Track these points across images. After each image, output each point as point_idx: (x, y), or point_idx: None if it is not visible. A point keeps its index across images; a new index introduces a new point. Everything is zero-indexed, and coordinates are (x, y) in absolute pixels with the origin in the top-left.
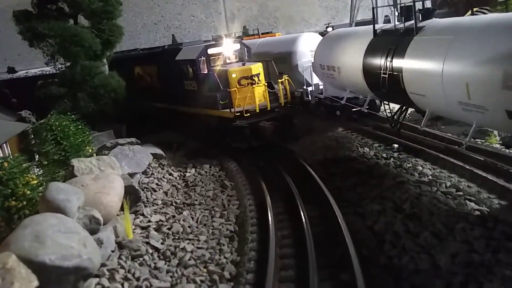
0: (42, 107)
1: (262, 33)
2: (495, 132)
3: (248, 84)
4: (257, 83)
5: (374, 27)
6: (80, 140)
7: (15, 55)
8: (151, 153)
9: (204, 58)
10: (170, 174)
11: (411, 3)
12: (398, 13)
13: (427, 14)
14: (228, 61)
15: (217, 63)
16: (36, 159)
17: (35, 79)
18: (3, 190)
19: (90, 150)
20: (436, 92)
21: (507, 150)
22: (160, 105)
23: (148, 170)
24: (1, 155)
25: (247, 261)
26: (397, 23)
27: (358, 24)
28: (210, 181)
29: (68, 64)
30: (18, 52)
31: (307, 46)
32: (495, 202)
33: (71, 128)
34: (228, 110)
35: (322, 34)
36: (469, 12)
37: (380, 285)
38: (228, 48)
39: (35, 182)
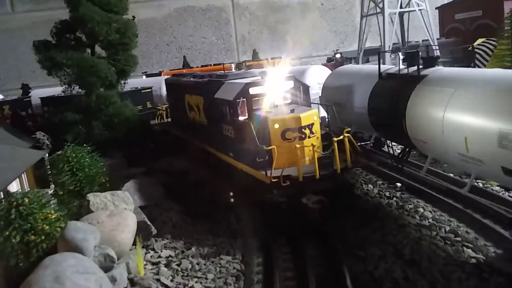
0: (57, 130)
1: (272, 58)
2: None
3: (295, 138)
4: (309, 137)
5: (379, 70)
6: (94, 170)
7: (29, 71)
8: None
9: (243, 100)
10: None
11: (416, 51)
12: (403, 58)
13: (430, 61)
14: (276, 103)
15: (262, 106)
16: (52, 189)
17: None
18: (23, 225)
19: (104, 181)
20: (437, 141)
21: (507, 193)
22: (202, 145)
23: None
24: (19, 185)
25: None
26: (402, 66)
27: (366, 51)
28: None
29: (84, 91)
30: (32, 69)
31: (315, 78)
32: (491, 250)
33: (86, 159)
34: (264, 172)
35: (330, 59)
36: (477, 42)
37: None
38: (277, 87)
39: (54, 217)
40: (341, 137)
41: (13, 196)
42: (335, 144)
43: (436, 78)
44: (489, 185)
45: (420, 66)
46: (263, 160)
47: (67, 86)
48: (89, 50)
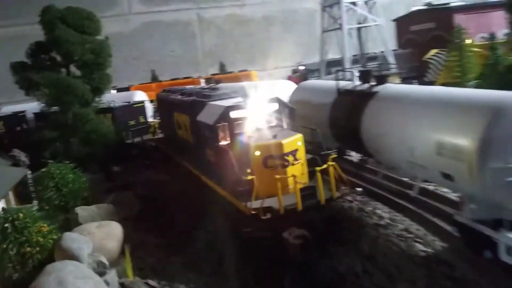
0: (34, 147)
1: (240, 71)
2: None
3: (278, 166)
4: (292, 164)
5: (337, 85)
6: (77, 186)
7: None
8: None
9: (224, 124)
10: None
11: (369, 70)
12: (359, 76)
13: (381, 79)
14: (259, 127)
15: (244, 130)
16: (35, 204)
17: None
18: (19, 238)
19: (86, 195)
20: (389, 150)
21: (453, 195)
22: (189, 166)
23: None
24: (5, 202)
25: None
26: (357, 83)
27: (329, 63)
28: None
29: (59, 109)
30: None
31: (283, 94)
32: (438, 244)
33: (70, 175)
34: (244, 202)
35: (295, 71)
36: (430, 53)
37: None
38: (260, 110)
39: (46, 229)
40: (325, 166)
41: (8, 212)
42: (318, 173)
43: (386, 94)
44: (439, 188)
45: (373, 83)
46: (243, 189)
47: (44, 105)
48: (64, 70)
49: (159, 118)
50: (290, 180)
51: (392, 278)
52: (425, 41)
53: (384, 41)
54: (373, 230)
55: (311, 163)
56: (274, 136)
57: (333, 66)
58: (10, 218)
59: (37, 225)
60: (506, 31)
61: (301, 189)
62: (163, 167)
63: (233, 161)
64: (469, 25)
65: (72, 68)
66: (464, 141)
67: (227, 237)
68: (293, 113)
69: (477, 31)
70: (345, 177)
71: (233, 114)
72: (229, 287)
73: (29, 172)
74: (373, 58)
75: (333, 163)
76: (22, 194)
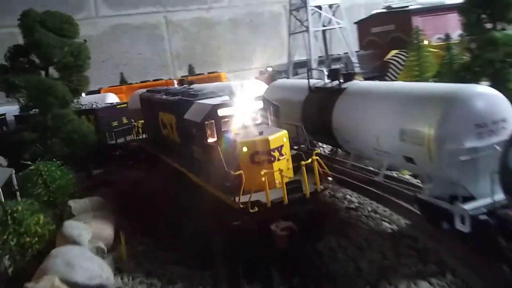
0: (13, 150)
1: (209, 72)
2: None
3: (264, 161)
4: (278, 159)
5: (309, 84)
6: (65, 182)
7: None
8: None
9: (211, 122)
10: None
11: (337, 68)
12: (327, 75)
13: (348, 77)
14: (246, 125)
15: (230, 128)
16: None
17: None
18: (18, 229)
19: (73, 191)
20: (357, 140)
21: (415, 180)
22: (175, 165)
23: None
24: None
25: None
26: (326, 81)
27: (295, 64)
28: None
29: (38, 111)
30: None
31: (253, 92)
32: (402, 221)
33: (57, 172)
34: (232, 197)
35: (262, 72)
36: (391, 53)
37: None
38: (246, 108)
39: (42, 221)
40: (309, 160)
41: (7, 205)
42: (303, 168)
43: (353, 90)
44: (402, 175)
45: (341, 81)
46: (231, 184)
47: (24, 107)
48: (43, 72)
49: (142, 118)
50: (277, 175)
51: (363, 250)
52: (385, 43)
53: (347, 43)
54: (344, 213)
55: (296, 158)
56: (261, 133)
57: (300, 67)
58: (9, 211)
59: (35, 217)
60: (460, 32)
61: (287, 183)
62: (146, 167)
63: (221, 158)
64: (426, 27)
65: (51, 71)
66: (424, 128)
67: (215, 231)
68: (278, 110)
69: (434, 32)
70: (328, 171)
71: (220, 112)
72: (219, 279)
73: (13, 171)
74: (338, 59)
75: (317, 157)
76: (4, 192)
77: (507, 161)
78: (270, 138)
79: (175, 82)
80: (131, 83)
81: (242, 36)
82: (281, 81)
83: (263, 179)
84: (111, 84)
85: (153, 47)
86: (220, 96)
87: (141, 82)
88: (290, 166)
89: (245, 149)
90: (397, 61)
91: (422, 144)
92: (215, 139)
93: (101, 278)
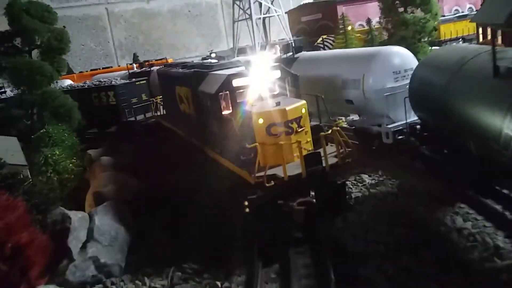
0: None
1: (157, 60)
2: (343, 118)
3: (281, 133)
4: (296, 131)
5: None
6: (71, 142)
7: None
8: None
9: (226, 93)
10: None
11: (290, 42)
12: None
13: (299, 49)
14: (262, 95)
15: (246, 99)
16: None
17: None
18: (58, 168)
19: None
20: (309, 92)
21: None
22: (191, 138)
23: None
24: None
25: None
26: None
27: (240, 49)
28: None
29: (25, 89)
30: None
31: None
32: None
33: (64, 134)
34: (247, 170)
35: (205, 58)
36: (320, 39)
37: None
38: (263, 77)
39: (76, 162)
40: (329, 131)
41: (43, 152)
42: (323, 139)
43: (304, 58)
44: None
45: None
46: (246, 158)
47: (14, 86)
48: (27, 56)
49: (160, 94)
50: (295, 147)
51: None
52: (314, 29)
53: (285, 29)
54: None
55: (316, 130)
56: (277, 104)
57: (242, 53)
58: (49, 155)
59: (71, 159)
60: (377, 19)
61: (306, 156)
62: (164, 142)
63: (236, 130)
64: (349, 14)
65: (33, 54)
66: (358, 76)
67: (230, 207)
68: (297, 80)
69: (356, 19)
70: (350, 142)
71: (235, 83)
72: (234, 259)
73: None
74: (274, 44)
75: (337, 128)
76: None
77: (412, 86)
78: (287, 108)
79: (135, 66)
80: (81, 72)
81: (181, 26)
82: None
83: (281, 151)
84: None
85: (96, 37)
86: (235, 67)
87: (91, 70)
88: (310, 138)
89: (261, 120)
90: (326, 45)
91: (358, 88)
92: (230, 111)
93: None
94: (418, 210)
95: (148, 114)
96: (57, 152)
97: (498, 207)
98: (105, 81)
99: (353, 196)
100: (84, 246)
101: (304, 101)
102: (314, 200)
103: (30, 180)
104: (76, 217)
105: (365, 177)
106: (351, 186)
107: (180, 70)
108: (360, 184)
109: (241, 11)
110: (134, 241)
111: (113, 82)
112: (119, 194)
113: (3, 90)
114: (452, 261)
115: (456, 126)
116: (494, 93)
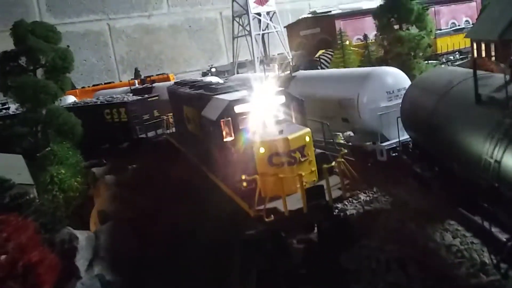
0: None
1: (158, 74)
2: (340, 135)
3: (284, 163)
4: (300, 161)
5: (265, 76)
6: (75, 160)
7: None
8: None
9: (228, 119)
10: None
11: (288, 61)
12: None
13: (296, 68)
14: (266, 122)
15: (249, 125)
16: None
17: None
18: (63, 186)
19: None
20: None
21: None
22: (197, 161)
23: None
24: None
25: None
26: (280, 73)
27: (240, 64)
28: None
29: (30, 107)
30: None
31: None
32: None
33: (69, 152)
34: (247, 202)
35: (205, 73)
36: (319, 53)
37: None
38: (266, 103)
39: (81, 180)
40: (333, 163)
41: (49, 171)
42: (326, 172)
43: (300, 77)
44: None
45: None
46: (246, 189)
47: (20, 104)
48: (31, 74)
49: (171, 112)
50: (296, 180)
51: None
52: (313, 43)
53: (284, 44)
54: None
55: (321, 159)
56: (280, 132)
57: (240, 68)
58: (55, 174)
59: (76, 178)
60: (375, 33)
61: (308, 189)
62: (173, 161)
63: (237, 159)
64: (347, 29)
65: (38, 73)
66: (353, 96)
67: (230, 238)
68: (303, 106)
69: (354, 33)
70: (355, 174)
71: (237, 109)
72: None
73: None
74: (274, 59)
75: (342, 159)
76: None
77: (403, 106)
78: (290, 137)
79: (136, 82)
80: (83, 87)
81: (182, 41)
82: (239, 75)
83: (281, 184)
84: None
85: (97, 53)
86: (239, 90)
87: (93, 85)
88: (314, 167)
89: (262, 150)
90: (324, 59)
91: (353, 106)
92: (232, 138)
93: None
94: (409, 227)
95: (159, 131)
96: (63, 171)
97: (486, 224)
98: (117, 97)
99: (348, 213)
100: (90, 264)
101: (308, 129)
102: (317, 234)
103: (38, 200)
104: (83, 236)
105: (360, 194)
106: (347, 203)
107: (188, 90)
108: (355, 201)
109: (241, 27)
110: (138, 259)
111: (124, 99)
112: (123, 213)
113: (6, 106)
114: (439, 277)
115: (442, 147)
116: (476, 120)
